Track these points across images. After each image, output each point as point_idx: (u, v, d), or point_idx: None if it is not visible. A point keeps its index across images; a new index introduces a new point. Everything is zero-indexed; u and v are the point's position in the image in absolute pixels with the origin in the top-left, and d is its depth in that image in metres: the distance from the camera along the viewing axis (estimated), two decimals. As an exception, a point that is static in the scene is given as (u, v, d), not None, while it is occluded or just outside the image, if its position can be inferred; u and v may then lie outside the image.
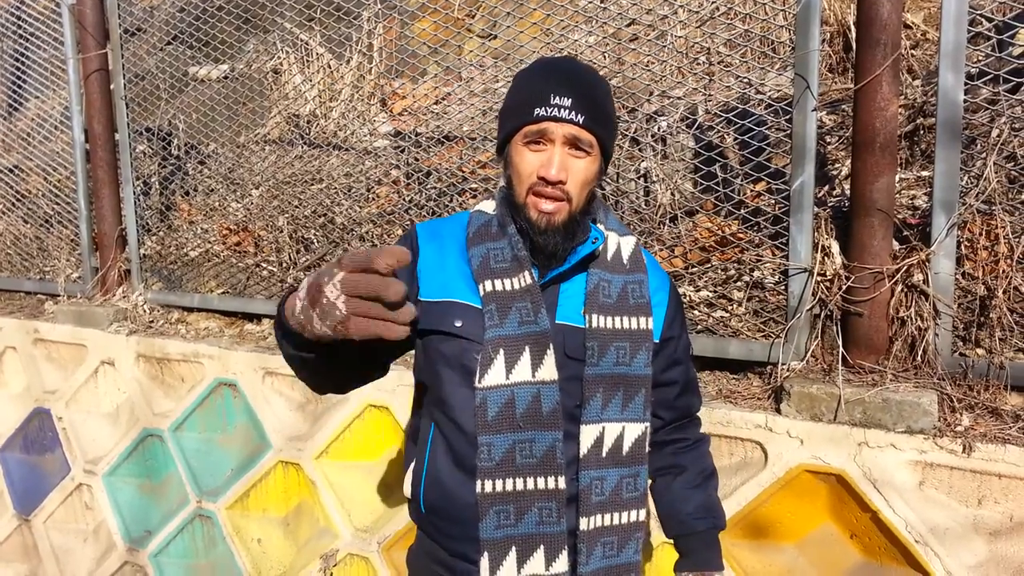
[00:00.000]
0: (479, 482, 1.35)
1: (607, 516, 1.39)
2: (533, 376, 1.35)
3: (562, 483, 1.35)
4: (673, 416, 1.59)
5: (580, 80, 1.38)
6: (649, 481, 1.56)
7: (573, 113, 1.33)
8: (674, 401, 1.57)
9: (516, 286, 1.39)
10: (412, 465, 1.50)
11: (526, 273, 1.39)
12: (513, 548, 1.34)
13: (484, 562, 1.34)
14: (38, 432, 3.89)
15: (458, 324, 1.40)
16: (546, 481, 1.35)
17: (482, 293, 1.39)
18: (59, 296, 4.15)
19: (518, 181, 1.39)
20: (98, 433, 3.68)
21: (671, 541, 1.62)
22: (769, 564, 2.21)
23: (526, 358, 1.35)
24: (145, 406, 3.47)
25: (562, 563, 1.35)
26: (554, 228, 1.37)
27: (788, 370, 2.26)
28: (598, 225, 1.48)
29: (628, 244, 1.51)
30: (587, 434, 1.38)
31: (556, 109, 1.33)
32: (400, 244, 1.52)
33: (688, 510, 1.57)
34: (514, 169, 1.40)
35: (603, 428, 1.39)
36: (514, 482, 1.34)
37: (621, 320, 1.42)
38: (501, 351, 1.35)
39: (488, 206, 1.52)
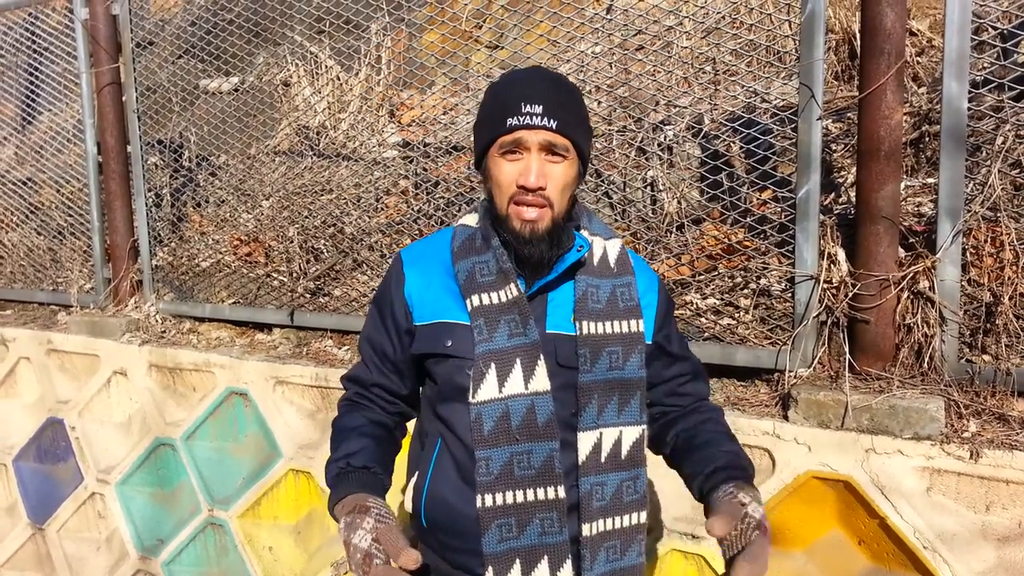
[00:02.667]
0: (479, 496, 1.35)
1: (609, 521, 1.40)
2: (526, 388, 1.36)
3: (562, 492, 1.36)
4: (688, 402, 1.58)
5: (550, 87, 1.39)
6: (668, 449, 1.54)
7: (545, 119, 1.34)
8: (681, 388, 1.57)
9: (503, 299, 1.40)
10: (413, 480, 1.51)
11: (512, 285, 1.40)
12: (517, 561, 1.35)
13: None
14: (51, 442, 3.93)
15: (448, 344, 1.42)
16: (546, 492, 1.36)
17: (469, 309, 1.40)
18: (72, 307, 4.18)
19: (498, 192, 1.40)
20: (111, 442, 3.71)
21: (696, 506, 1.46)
22: (778, 570, 2.21)
23: (518, 370, 1.37)
24: (157, 415, 3.50)
25: (567, 572, 1.36)
26: (539, 237, 1.38)
27: (795, 377, 2.27)
28: (582, 231, 1.48)
29: (614, 247, 1.51)
30: (584, 441, 1.39)
31: (528, 117, 1.34)
32: (386, 279, 1.55)
33: (724, 448, 1.45)
34: (494, 181, 1.41)
35: (600, 434, 1.40)
36: (514, 495, 1.35)
37: (612, 325, 1.43)
38: (492, 365, 1.37)
39: (471, 219, 1.54)
